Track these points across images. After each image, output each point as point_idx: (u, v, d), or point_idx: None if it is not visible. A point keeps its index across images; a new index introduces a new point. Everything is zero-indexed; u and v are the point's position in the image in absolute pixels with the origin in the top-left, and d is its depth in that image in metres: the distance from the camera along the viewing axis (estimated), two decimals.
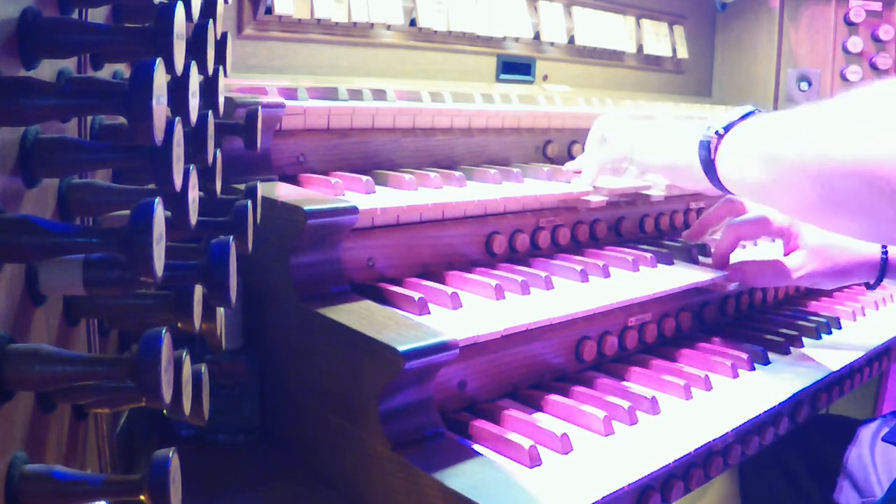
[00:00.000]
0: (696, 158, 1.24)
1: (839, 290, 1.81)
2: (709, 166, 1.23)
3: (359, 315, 0.99)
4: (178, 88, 0.64)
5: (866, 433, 1.52)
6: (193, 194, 0.64)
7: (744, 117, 1.20)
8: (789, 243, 1.46)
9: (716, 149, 1.21)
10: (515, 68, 1.85)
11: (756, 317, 1.58)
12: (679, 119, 1.44)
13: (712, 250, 1.48)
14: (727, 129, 1.20)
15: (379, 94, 1.39)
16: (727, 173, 1.21)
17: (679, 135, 1.32)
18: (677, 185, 1.45)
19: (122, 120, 0.64)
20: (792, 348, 1.41)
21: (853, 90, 1.00)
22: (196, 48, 0.72)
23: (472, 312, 1.08)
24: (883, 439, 1.47)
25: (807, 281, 1.46)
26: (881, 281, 1.47)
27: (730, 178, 1.21)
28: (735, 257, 1.46)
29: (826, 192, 0.99)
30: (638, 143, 1.40)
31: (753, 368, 1.29)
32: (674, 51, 2.26)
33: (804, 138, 1.02)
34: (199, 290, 0.67)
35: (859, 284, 1.82)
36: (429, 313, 1.05)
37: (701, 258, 1.46)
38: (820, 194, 1.00)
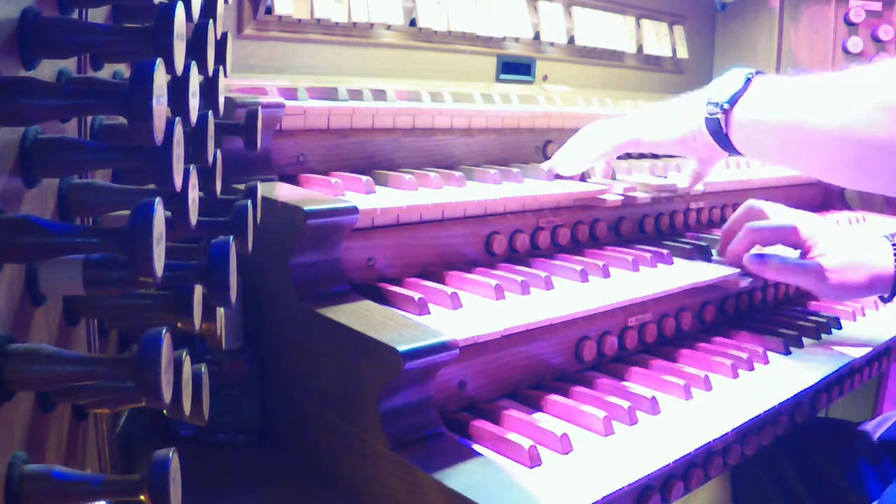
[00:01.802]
0: (706, 133, 1.30)
1: None
2: (722, 140, 1.29)
3: (359, 315, 0.99)
4: (178, 88, 0.64)
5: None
6: (193, 194, 0.64)
7: (745, 85, 1.26)
8: (805, 256, 1.45)
9: (726, 123, 1.27)
10: (515, 68, 1.85)
11: (756, 317, 1.58)
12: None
13: (714, 251, 1.48)
14: (731, 102, 1.26)
15: (379, 95, 1.39)
16: (743, 147, 1.29)
17: (682, 110, 1.37)
18: (689, 156, 1.48)
19: (122, 120, 0.64)
20: (792, 348, 1.41)
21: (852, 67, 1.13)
22: (196, 48, 0.72)
23: (471, 312, 1.08)
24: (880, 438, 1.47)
25: (822, 295, 1.48)
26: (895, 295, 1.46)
27: (747, 150, 1.30)
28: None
29: (844, 157, 1.11)
30: (643, 125, 1.44)
31: (753, 368, 1.29)
32: (674, 51, 2.26)
33: (824, 107, 1.12)
34: (199, 290, 0.67)
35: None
36: (429, 313, 1.05)
37: (713, 257, 1.48)
38: (838, 157, 1.13)
